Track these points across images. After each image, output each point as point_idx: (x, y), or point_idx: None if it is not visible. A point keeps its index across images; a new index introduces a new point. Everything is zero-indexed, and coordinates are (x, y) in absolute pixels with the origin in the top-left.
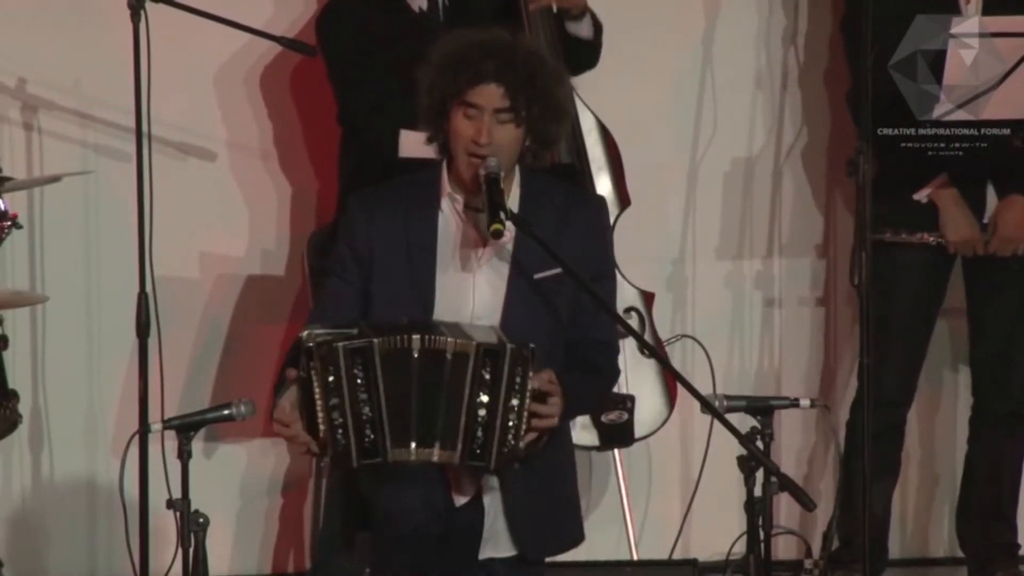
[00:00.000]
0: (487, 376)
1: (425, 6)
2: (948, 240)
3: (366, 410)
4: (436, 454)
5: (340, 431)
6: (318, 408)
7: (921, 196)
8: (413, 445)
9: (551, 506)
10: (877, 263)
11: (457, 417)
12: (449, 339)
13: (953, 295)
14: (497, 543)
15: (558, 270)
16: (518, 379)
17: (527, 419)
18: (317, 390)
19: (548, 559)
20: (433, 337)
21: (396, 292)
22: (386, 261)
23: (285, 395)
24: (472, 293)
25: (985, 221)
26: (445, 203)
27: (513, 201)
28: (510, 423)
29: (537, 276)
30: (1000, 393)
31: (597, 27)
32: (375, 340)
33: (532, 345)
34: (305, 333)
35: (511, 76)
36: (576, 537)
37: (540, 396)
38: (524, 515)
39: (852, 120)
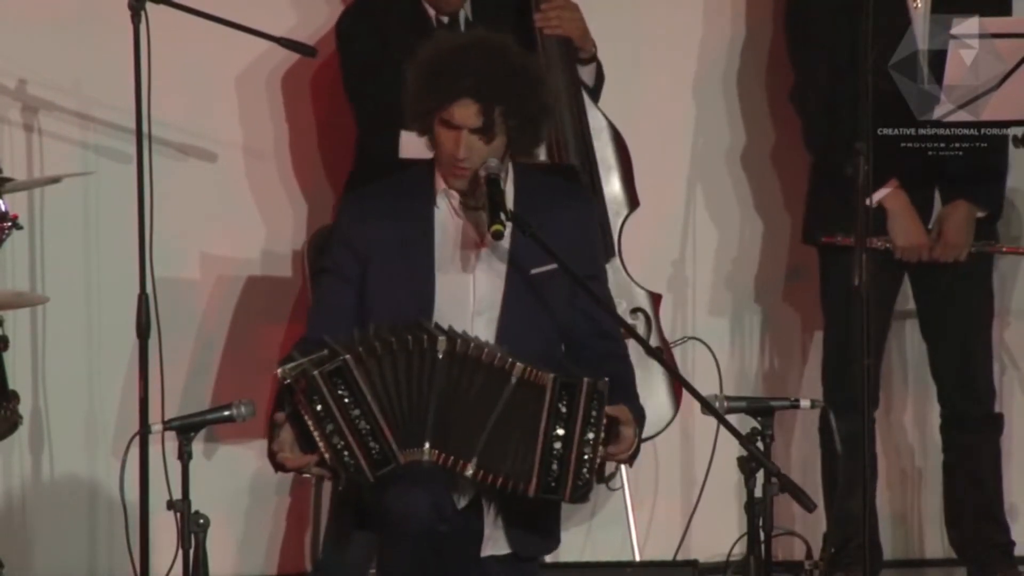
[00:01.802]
0: (563, 409)
1: (446, 18)
2: (896, 245)
3: (362, 424)
4: (472, 470)
5: (346, 453)
6: (317, 439)
7: (870, 200)
8: (427, 446)
9: (537, 510)
10: (827, 267)
11: (532, 449)
12: (518, 363)
13: None
14: (496, 541)
15: (555, 265)
16: (594, 413)
17: (601, 452)
18: (310, 423)
19: (550, 560)
20: (476, 347)
21: (394, 290)
22: (383, 260)
23: (281, 437)
24: (472, 290)
25: (930, 227)
26: (441, 200)
27: (508, 198)
28: (585, 456)
29: (534, 271)
30: (968, 397)
31: (600, 77)
32: (347, 356)
33: (607, 379)
34: (279, 371)
35: (487, 92)
36: (556, 540)
37: (612, 426)
38: (517, 517)
39: (799, 118)
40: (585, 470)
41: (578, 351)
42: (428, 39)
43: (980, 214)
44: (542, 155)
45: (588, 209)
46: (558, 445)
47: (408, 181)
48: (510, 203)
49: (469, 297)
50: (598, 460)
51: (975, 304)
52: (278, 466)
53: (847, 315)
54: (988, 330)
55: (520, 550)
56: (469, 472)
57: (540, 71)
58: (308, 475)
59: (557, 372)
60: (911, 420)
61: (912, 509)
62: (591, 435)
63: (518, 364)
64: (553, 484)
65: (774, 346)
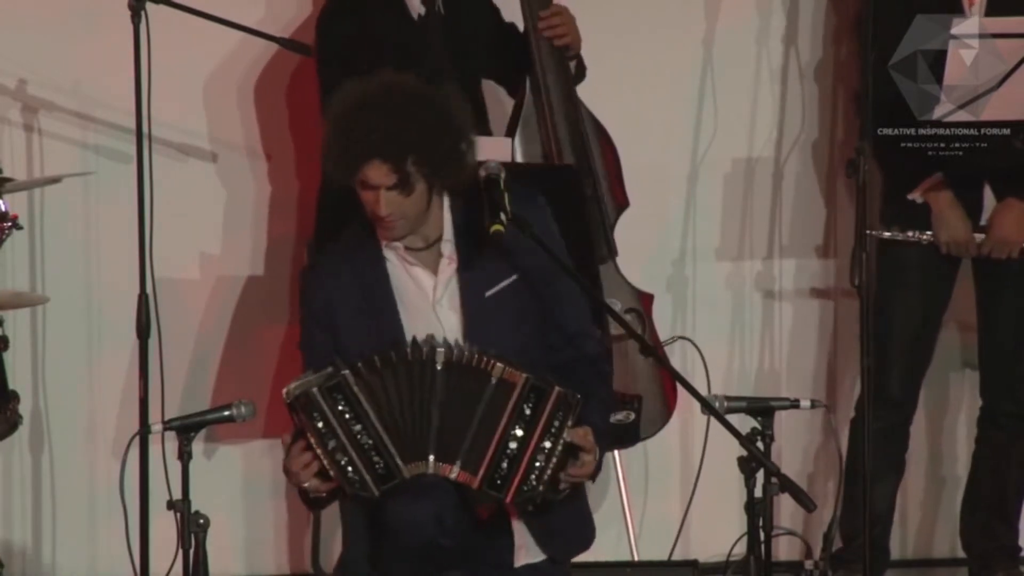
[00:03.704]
0: (527, 411)
1: (424, 12)
2: (939, 240)
3: (365, 439)
4: (456, 472)
5: (350, 469)
6: (321, 456)
7: (915, 196)
8: (431, 458)
9: (566, 509)
10: (880, 263)
11: (487, 443)
12: (498, 363)
13: (962, 299)
14: (530, 549)
15: (511, 279)
16: (556, 423)
17: (554, 465)
18: (312, 440)
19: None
20: (468, 353)
21: (366, 346)
22: (350, 321)
23: (292, 454)
24: (440, 327)
25: (983, 223)
26: (388, 252)
27: (448, 232)
28: (536, 463)
29: (488, 293)
30: (1007, 395)
31: (580, 70)
32: (345, 372)
33: (579, 396)
34: (284, 391)
35: (394, 149)
36: (590, 537)
37: (572, 450)
38: (543, 520)
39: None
40: (533, 477)
41: (548, 358)
42: (423, 44)
43: None
44: (538, 157)
45: (542, 213)
46: (513, 445)
47: (353, 241)
48: (451, 237)
49: (439, 334)
50: (549, 472)
51: None
52: (300, 490)
53: (887, 313)
54: None
55: (554, 553)
56: (453, 475)
57: (442, 103)
58: (317, 489)
59: (532, 374)
60: (963, 423)
61: (925, 510)
62: (547, 444)
63: (497, 363)
64: (499, 482)
65: (776, 346)
